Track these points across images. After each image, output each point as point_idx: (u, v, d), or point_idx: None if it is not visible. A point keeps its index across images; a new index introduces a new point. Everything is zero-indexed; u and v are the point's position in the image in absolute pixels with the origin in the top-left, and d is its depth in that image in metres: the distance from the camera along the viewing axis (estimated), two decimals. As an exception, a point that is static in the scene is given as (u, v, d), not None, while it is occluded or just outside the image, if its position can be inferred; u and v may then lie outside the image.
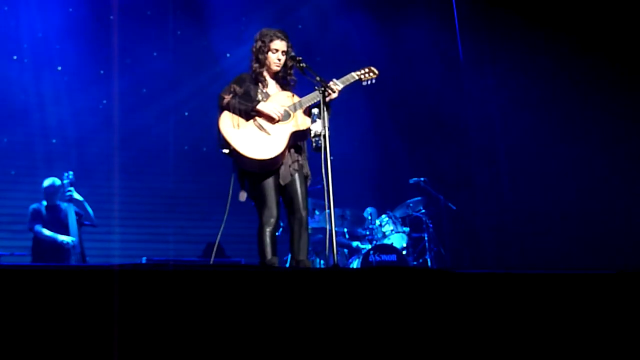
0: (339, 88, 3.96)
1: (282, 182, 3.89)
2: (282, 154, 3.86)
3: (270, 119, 3.89)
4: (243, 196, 3.94)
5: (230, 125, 3.85)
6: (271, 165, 3.85)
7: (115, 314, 2.03)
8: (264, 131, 3.87)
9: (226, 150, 3.85)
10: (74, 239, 5.83)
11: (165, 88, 7.77)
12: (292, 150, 3.96)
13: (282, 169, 3.90)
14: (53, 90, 7.30)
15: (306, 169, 4.01)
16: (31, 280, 2.08)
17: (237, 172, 3.95)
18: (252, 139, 3.84)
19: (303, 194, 3.92)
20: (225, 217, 3.87)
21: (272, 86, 4.08)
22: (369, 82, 4.18)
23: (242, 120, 3.88)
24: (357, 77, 4.12)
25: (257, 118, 3.89)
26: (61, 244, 5.82)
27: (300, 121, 3.93)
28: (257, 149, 3.81)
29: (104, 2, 7.41)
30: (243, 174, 3.93)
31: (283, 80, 4.12)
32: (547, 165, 7.37)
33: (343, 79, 4.05)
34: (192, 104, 7.91)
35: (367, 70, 4.17)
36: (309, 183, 4.03)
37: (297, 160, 3.95)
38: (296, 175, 3.92)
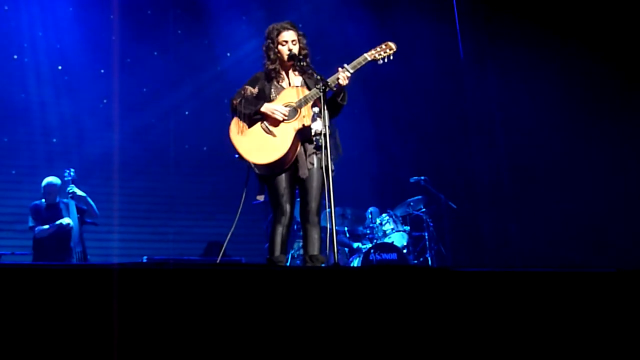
0: (349, 74, 3.81)
1: (301, 176, 3.81)
2: (288, 153, 3.79)
3: (275, 120, 3.84)
4: (261, 197, 3.94)
5: (237, 131, 3.85)
6: (280, 166, 3.81)
7: (115, 313, 2.03)
8: (270, 133, 3.83)
9: (237, 156, 3.86)
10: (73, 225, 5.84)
11: (165, 87, 7.77)
12: (307, 144, 3.87)
13: (299, 164, 3.83)
14: (53, 89, 7.30)
15: (325, 161, 3.77)
16: (32, 279, 2.08)
17: (254, 173, 3.91)
18: (257, 142, 3.82)
19: (316, 188, 3.82)
20: (238, 216, 3.85)
21: (288, 79, 4.02)
22: (385, 59, 3.93)
23: (249, 124, 3.86)
24: (370, 58, 3.90)
25: (264, 120, 3.86)
26: (64, 227, 5.80)
27: (307, 116, 3.83)
28: (261, 153, 3.79)
29: (105, 1, 7.41)
30: (258, 174, 3.92)
31: (300, 70, 4.00)
32: (548, 163, 7.36)
33: (354, 62, 3.86)
34: (193, 104, 7.91)
35: (383, 47, 3.93)
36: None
37: (315, 153, 3.85)
38: (314, 169, 3.83)
